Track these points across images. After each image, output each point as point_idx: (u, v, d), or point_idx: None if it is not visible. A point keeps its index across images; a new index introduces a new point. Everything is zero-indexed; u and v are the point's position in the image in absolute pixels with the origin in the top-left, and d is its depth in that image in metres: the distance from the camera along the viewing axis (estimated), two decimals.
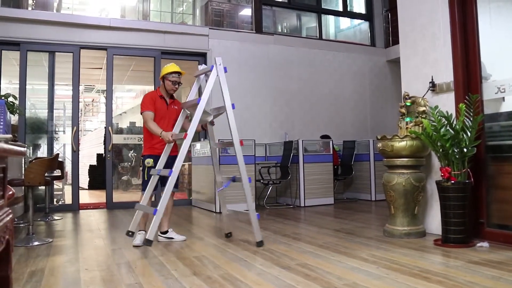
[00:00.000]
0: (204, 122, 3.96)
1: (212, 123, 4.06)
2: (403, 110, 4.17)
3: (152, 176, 3.79)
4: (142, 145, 4.09)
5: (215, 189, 6.02)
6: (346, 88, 8.56)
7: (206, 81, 3.79)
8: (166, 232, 3.99)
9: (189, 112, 3.94)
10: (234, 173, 5.33)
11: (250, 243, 3.80)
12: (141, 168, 4.03)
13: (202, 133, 7.17)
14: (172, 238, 3.97)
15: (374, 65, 8.91)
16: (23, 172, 5.75)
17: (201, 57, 7.38)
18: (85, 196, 9.04)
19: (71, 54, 6.63)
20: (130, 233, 3.69)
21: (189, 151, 7.43)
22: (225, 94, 3.74)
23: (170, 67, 4.01)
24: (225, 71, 3.76)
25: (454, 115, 3.68)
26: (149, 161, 3.85)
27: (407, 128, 4.01)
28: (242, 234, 4.21)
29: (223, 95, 3.74)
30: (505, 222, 3.58)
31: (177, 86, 4.00)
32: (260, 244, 3.64)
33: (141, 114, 3.95)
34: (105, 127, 7.23)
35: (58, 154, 4.88)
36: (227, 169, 5.68)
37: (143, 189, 3.88)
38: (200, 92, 4.47)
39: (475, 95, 3.52)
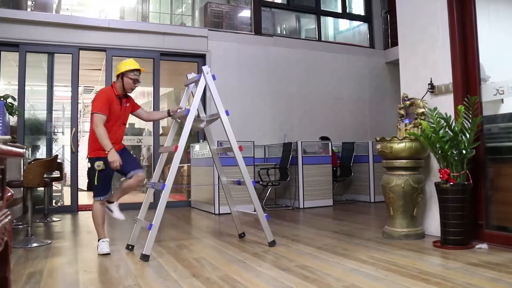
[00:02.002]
0: (197, 129, 3.93)
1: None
2: (402, 111, 4.18)
3: (148, 189, 3.76)
4: (88, 146, 3.62)
5: (214, 190, 6.05)
6: (345, 90, 8.57)
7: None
8: (112, 203, 3.70)
9: (180, 121, 3.91)
10: (235, 174, 5.34)
11: (249, 244, 3.80)
12: (87, 172, 3.68)
13: (201, 134, 7.18)
14: (111, 211, 3.67)
15: (373, 67, 8.92)
16: (22, 174, 5.75)
17: (200, 58, 7.39)
18: (84, 198, 9.01)
19: (70, 55, 6.63)
20: (130, 247, 3.64)
21: (187, 153, 7.43)
22: (217, 102, 3.74)
23: (130, 63, 3.64)
24: (214, 78, 3.75)
25: (453, 117, 3.68)
26: (99, 164, 3.47)
27: (406, 129, 4.02)
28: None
29: (215, 103, 3.75)
30: (504, 224, 3.58)
31: (136, 84, 3.66)
32: (272, 244, 3.68)
33: (91, 113, 3.51)
34: None
35: (57, 155, 4.88)
36: (227, 171, 5.68)
37: (98, 195, 3.54)
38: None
39: (474, 96, 3.52)
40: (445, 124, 3.54)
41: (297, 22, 9.09)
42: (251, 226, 4.79)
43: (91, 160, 3.56)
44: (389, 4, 8.93)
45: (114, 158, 3.38)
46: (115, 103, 3.59)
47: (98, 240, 3.56)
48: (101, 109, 3.46)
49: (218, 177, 4.26)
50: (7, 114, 4.47)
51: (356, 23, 9.46)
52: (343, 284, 2.49)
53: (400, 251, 3.34)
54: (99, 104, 3.49)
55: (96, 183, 3.53)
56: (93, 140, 3.53)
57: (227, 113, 3.77)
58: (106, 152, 3.40)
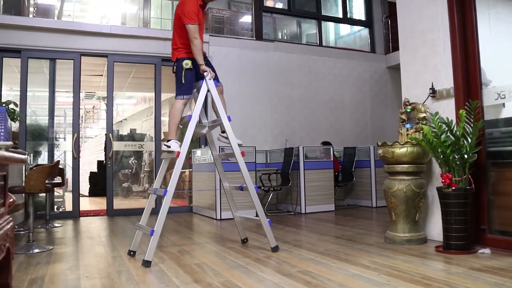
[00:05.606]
0: (199, 135, 3.92)
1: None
2: (403, 116, 4.18)
3: (150, 195, 3.77)
4: (179, 49, 3.75)
5: (216, 195, 6.04)
6: (346, 95, 8.58)
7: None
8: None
9: (181, 127, 3.92)
10: (237, 179, 5.33)
11: (251, 250, 3.79)
12: (174, 72, 3.71)
13: (203, 139, 7.18)
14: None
15: (374, 72, 8.93)
16: (23, 179, 5.75)
17: None
18: (86, 203, 9.03)
19: (72, 61, 6.66)
20: (132, 253, 3.63)
21: (189, 158, 7.43)
22: (219, 108, 3.75)
23: None
24: (216, 85, 3.77)
25: (454, 121, 3.68)
26: (187, 62, 3.69)
27: (407, 134, 4.02)
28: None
29: (217, 109, 3.75)
30: (506, 228, 3.56)
31: None
32: (275, 249, 3.66)
33: (185, 24, 3.59)
34: (105, 134, 7.24)
35: (58, 161, 4.88)
36: (229, 176, 5.67)
37: (181, 94, 3.71)
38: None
39: (475, 101, 3.52)
40: (446, 128, 3.54)
41: (298, 27, 9.12)
42: (253, 231, 4.78)
43: (179, 60, 3.72)
44: (390, 9, 8.97)
45: (207, 68, 3.68)
46: (200, 12, 3.73)
47: (168, 141, 3.68)
48: (195, 20, 3.60)
49: (220, 182, 4.25)
50: (9, 120, 4.48)
51: (357, 28, 9.49)
52: None
53: (402, 256, 3.33)
54: (192, 15, 3.60)
55: (183, 81, 3.69)
56: (182, 43, 3.71)
57: (229, 118, 3.77)
58: (200, 64, 3.64)
